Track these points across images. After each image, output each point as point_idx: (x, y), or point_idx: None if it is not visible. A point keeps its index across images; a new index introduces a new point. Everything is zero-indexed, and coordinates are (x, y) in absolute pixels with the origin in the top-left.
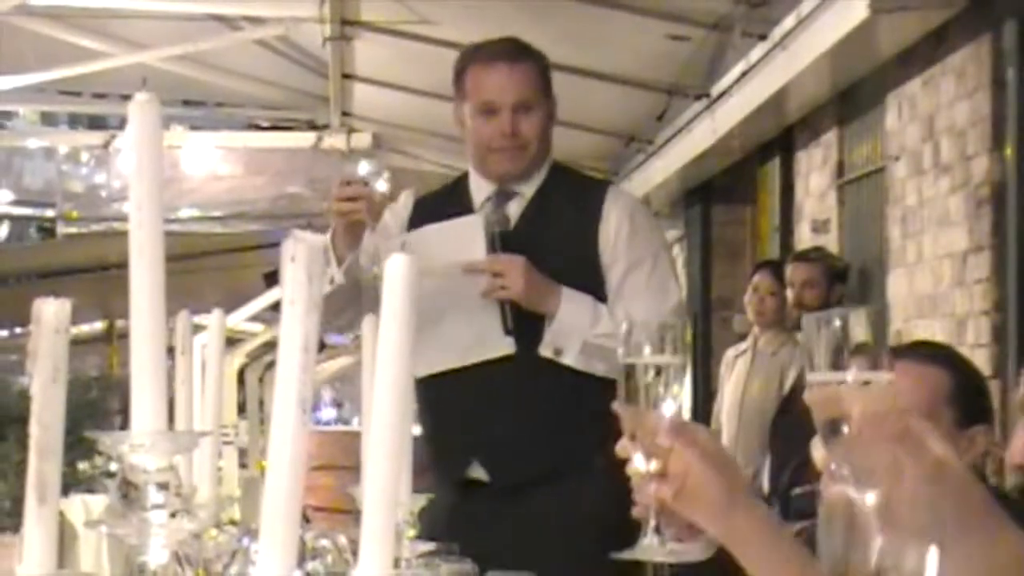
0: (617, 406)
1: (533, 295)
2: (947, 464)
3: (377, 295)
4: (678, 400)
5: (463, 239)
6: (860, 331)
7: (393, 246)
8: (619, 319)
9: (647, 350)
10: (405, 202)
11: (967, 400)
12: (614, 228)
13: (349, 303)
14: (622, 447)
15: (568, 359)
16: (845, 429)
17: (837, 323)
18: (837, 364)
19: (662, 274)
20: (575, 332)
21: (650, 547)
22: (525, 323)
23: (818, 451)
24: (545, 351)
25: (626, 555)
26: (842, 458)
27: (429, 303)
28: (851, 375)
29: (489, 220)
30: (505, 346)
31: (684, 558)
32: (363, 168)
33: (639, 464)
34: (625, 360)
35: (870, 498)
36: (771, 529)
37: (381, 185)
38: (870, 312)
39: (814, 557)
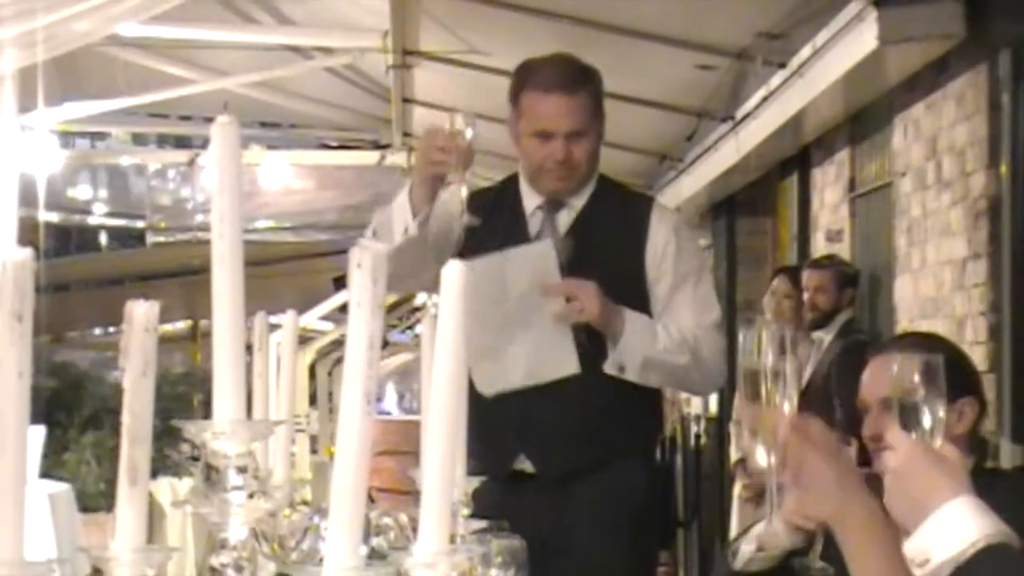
0: (739, 407)
1: (605, 317)
2: None
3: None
4: (793, 399)
5: (537, 264)
6: None
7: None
8: (673, 334)
9: (768, 356)
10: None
11: (951, 376)
12: (661, 245)
13: (416, 263)
14: (745, 443)
15: (630, 375)
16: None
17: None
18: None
19: (705, 289)
20: (638, 350)
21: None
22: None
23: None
24: (610, 369)
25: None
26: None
27: (502, 327)
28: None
29: (557, 247)
30: (572, 366)
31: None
32: (453, 121)
33: (760, 459)
34: (746, 365)
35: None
36: (881, 519)
37: (468, 133)
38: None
39: None
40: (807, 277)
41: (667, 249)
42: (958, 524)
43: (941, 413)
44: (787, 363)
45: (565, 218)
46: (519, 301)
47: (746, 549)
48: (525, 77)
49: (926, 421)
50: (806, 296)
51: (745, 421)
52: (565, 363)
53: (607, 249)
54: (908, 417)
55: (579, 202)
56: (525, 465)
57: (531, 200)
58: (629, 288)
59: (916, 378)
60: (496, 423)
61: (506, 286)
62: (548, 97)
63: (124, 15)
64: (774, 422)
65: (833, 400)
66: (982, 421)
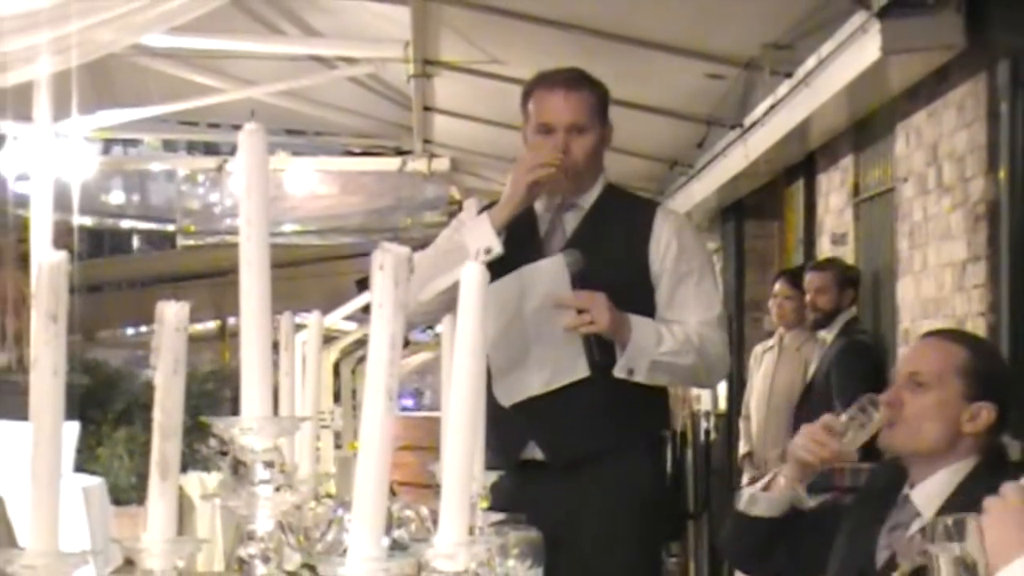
0: None
1: (615, 326)
2: None
3: None
4: None
5: (549, 278)
6: None
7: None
8: (678, 336)
9: (949, 545)
10: (469, 209)
11: (978, 377)
12: (663, 246)
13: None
14: None
15: (639, 377)
16: None
17: None
18: None
19: (707, 287)
20: (645, 354)
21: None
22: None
23: None
24: (619, 373)
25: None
26: None
27: (520, 341)
28: None
29: (567, 260)
30: (582, 370)
31: None
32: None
33: None
34: (919, 553)
35: None
36: None
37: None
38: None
39: None
40: (808, 279)
41: (669, 247)
42: None
43: None
44: (972, 550)
45: (572, 218)
46: (534, 315)
47: (749, 490)
48: (534, 82)
49: None
50: (808, 298)
51: None
52: (576, 368)
53: (612, 249)
54: None
55: (586, 203)
56: (535, 453)
57: (540, 202)
58: (634, 286)
59: (948, 368)
60: (506, 412)
61: (521, 302)
62: (551, 93)
63: (148, 24)
64: None
65: (834, 401)
66: (1001, 430)
